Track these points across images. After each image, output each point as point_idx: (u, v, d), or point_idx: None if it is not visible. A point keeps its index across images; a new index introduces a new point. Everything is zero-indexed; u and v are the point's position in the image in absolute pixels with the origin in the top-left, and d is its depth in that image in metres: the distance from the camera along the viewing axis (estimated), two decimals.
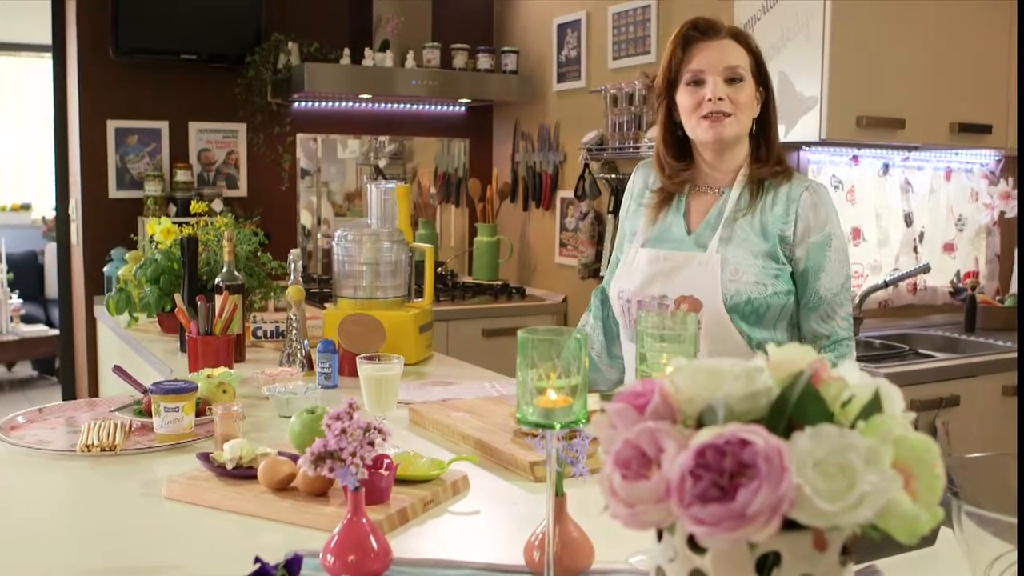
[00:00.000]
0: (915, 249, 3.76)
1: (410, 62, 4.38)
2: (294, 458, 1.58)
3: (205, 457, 1.61)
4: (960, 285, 3.83)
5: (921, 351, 3.26)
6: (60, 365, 4.97)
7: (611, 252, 3.94)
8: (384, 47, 4.37)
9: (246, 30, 4.29)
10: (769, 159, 1.99)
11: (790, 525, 0.68)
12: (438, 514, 1.49)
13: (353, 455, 1.14)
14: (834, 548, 0.71)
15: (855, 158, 3.57)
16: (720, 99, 1.92)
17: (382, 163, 4.91)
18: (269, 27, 4.32)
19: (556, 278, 4.55)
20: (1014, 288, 3.84)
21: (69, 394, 4.72)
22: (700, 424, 0.73)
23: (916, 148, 3.60)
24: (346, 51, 4.30)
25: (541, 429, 1.05)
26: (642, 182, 2.16)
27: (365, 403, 1.79)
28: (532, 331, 1.04)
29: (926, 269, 3.48)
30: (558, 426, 1.04)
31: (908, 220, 3.74)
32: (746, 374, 0.73)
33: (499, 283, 4.56)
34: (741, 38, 1.98)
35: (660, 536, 0.77)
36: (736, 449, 0.66)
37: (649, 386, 0.77)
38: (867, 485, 0.65)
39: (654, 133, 3.67)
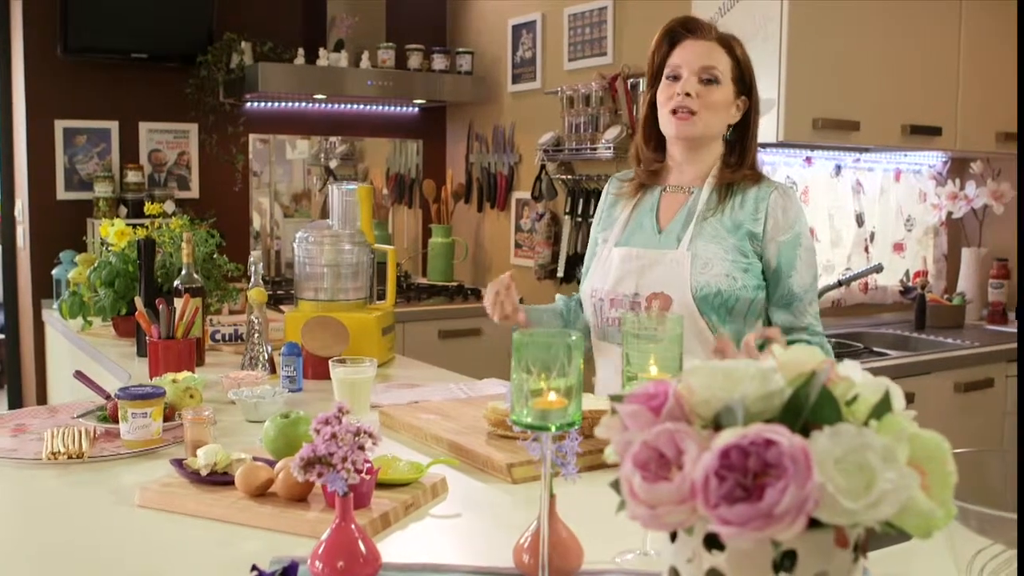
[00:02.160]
0: (866, 249, 3.83)
1: (365, 62, 4.35)
2: (270, 463, 1.56)
3: (179, 463, 1.58)
4: (910, 284, 3.91)
5: (875, 349, 3.32)
6: (6, 371, 4.86)
7: (568, 254, 3.99)
8: (338, 47, 4.34)
9: (198, 29, 4.22)
10: (741, 166, 2.02)
11: (810, 523, 0.69)
12: (419, 517, 1.49)
13: (344, 460, 1.12)
14: (851, 545, 0.72)
15: (808, 159, 3.63)
16: (688, 95, 1.94)
17: (333, 164, 4.87)
18: (221, 26, 4.26)
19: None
20: (961, 287, 3.93)
21: (16, 401, 4.61)
22: (717, 425, 0.74)
23: (868, 150, 3.66)
24: (300, 51, 4.26)
25: (535, 431, 1.05)
26: (615, 192, 2.18)
27: None
28: (527, 333, 1.04)
29: (879, 269, 3.54)
30: (553, 428, 1.04)
31: (860, 220, 3.81)
32: (761, 375, 0.74)
33: (454, 284, 4.55)
34: (726, 43, 2.00)
35: (674, 537, 0.77)
36: (761, 449, 0.66)
37: (661, 388, 0.77)
38: (887, 483, 0.66)
39: (611, 135, 3.72)
